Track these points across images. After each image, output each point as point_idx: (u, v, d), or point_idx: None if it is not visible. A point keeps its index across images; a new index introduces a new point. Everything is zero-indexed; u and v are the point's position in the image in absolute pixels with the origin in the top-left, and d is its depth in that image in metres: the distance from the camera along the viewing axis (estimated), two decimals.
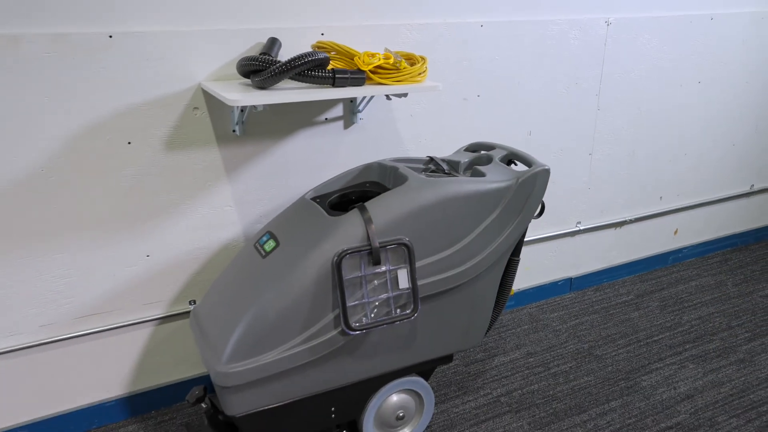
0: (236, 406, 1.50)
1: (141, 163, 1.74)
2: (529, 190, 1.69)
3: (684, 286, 2.84)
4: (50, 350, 1.79)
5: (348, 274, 1.50)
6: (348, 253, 1.48)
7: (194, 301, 1.95)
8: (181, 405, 2.04)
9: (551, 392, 2.09)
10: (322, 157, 2.00)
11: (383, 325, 1.55)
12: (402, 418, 1.81)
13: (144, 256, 1.84)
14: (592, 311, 2.62)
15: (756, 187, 3.20)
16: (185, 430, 1.92)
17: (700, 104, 2.78)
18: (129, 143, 1.71)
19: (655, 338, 2.41)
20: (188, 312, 1.96)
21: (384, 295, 1.55)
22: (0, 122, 1.54)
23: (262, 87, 1.60)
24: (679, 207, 2.96)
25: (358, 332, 1.53)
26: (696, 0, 2.56)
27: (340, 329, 1.53)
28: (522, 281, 2.64)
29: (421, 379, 1.80)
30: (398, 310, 1.58)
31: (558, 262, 2.70)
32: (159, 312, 1.91)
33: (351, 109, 1.98)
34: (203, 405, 1.69)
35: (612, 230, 2.80)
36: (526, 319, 2.55)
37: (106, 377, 1.91)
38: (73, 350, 1.83)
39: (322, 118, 1.96)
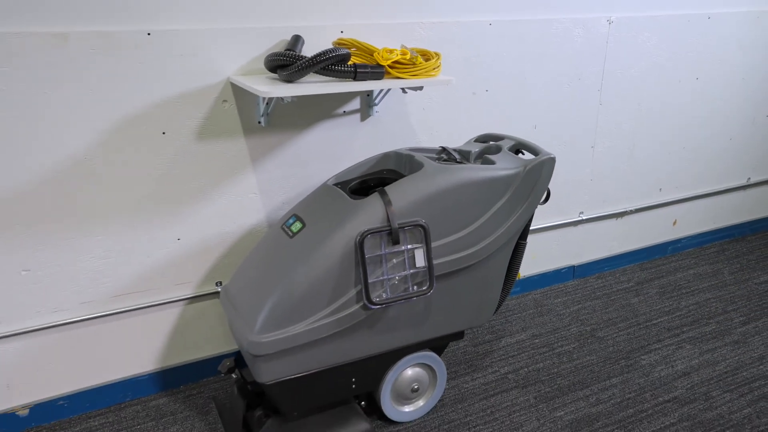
0: (266, 373, 1.63)
1: (173, 152, 1.87)
2: (536, 177, 1.82)
3: (682, 274, 2.97)
4: (89, 326, 1.93)
5: (369, 252, 1.63)
6: (370, 233, 1.61)
7: (220, 283, 2.08)
8: (207, 380, 2.17)
9: (556, 370, 2.22)
10: (340, 147, 2.13)
11: (401, 300, 1.68)
12: (417, 390, 1.93)
13: (175, 239, 1.97)
14: (594, 297, 2.74)
15: (752, 180, 3.32)
16: (212, 402, 2.05)
17: (698, 100, 2.91)
18: (163, 133, 1.84)
19: (654, 321, 2.54)
20: (215, 293, 2.09)
21: (402, 273, 1.68)
22: (49, 113, 1.67)
23: (289, 80, 1.73)
24: (678, 199, 3.09)
25: (378, 306, 1.66)
26: None
27: (362, 304, 1.66)
28: (527, 269, 2.76)
29: (434, 354, 1.92)
30: (415, 287, 1.71)
31: (561, 250, 2.82)
32: (188, 292, 2.04)
33: (368, 102, 2.11)
34: (233, 376, 1.82)
35: (613, 220, 2.92)
36: (532, 304, 2.68)
37: (139, 353, 2.04)
38: (110, 327, 1.96)
39: (341, 111, 2.09)
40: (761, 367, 2.22)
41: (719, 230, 3.34)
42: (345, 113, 2.10)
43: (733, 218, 3.37)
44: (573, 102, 2.55)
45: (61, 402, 1.96)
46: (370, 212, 1.63)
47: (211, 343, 2.15)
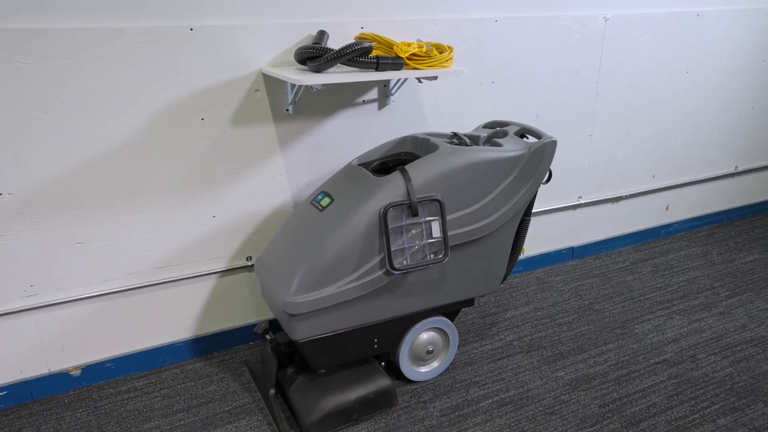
0: (300, 331, 1.82)
1: (211, 136, 2.07)
2: (539, 158, 2.02)
3: (674, 255, 3.17)
4: (134, 295, 2.12)
5: (392, 223, 1.83)
6: (392, 206, 1.80)
7: (250, 257, 2.27)
8: (238, 348, 2.36)
9: (557, 337, 2.42)
10: (359, 133, 2.33)
11: (420, 267, 1.88)
12: (431, 352, 2.13)
13: (211, 217, 2.16)
14: (592, 275, 2.95)
15: (740, 169, 3.53)
16: (244, 366, 2.25)
17: (688, 92, 3.11)
18: (202, 119, 2.03)
19: (647, 296, 2.74)
20: (246, 267, 2.28)
21: (421, 242, 1.88)
22: (103, 100, 1.87)
23: (317, 71, 1.92)
24: (670, 185, 3.29)
25: (399, 272, 1.86)
26: None
27: (385, 270, 1.85)
28: (529, 249, 2.96)
29: (447, 320, 2.12)
30: (432, 256, 1.91)
31: (561, 232, 3.02)
32: (222, 266, 2.24)
33: (385, 92, 2.31)
34: (267, 337, 2.01)
35: (609, 205, 3.13)
36: (534, 282, 2.88)
37: (177, 321, 2.23)
38: (152, 296, 2.15)
39: (360, 100, 2.28)
40: (743, 334, 2.43)
41: (709, 216, 3.55)
42: (364, 102, 2.29)
43: (722, 204, 3.58)
44: (572, 93, 2.76)
45: (109, 364, 2.15)
46: (392, 188, 1.83)
47: (241, 313, 2.35)
